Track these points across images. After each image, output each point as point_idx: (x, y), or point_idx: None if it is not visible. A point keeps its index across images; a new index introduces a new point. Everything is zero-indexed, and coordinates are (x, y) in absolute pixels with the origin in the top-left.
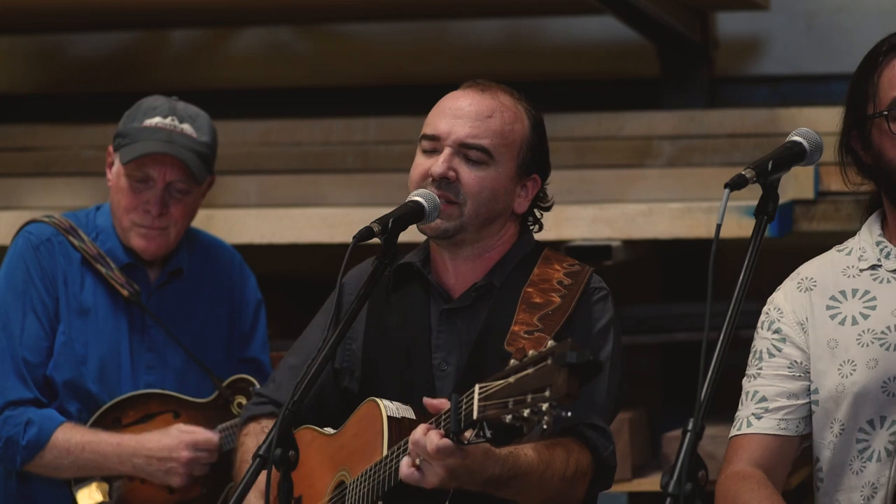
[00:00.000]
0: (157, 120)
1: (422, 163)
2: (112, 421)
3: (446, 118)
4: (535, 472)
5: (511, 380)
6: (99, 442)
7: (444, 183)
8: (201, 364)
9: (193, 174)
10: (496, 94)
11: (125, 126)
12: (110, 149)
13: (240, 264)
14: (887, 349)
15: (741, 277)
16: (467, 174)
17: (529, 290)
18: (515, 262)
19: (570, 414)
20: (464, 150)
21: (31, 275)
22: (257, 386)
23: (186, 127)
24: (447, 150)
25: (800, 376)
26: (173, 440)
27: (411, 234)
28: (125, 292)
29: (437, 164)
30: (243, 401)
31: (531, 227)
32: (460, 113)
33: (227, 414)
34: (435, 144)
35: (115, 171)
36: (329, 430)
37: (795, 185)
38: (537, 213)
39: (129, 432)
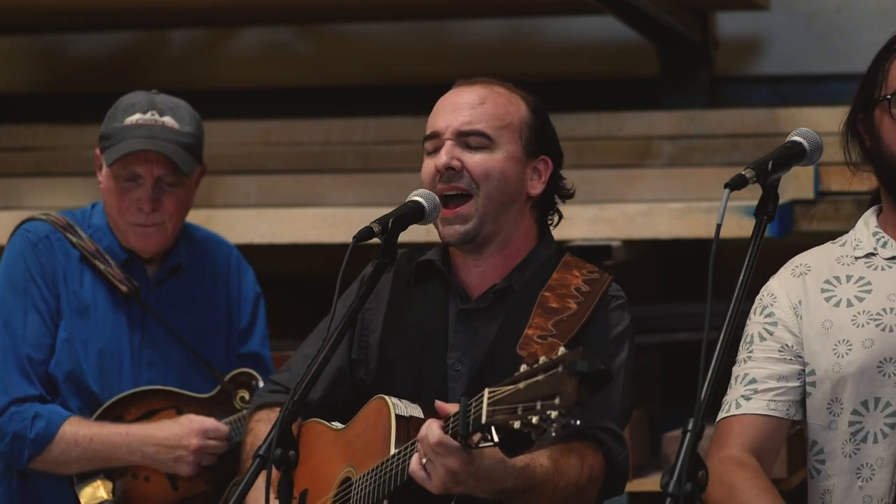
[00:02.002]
0: (137, 117)
1: (428, 164)
2: (114, 418)
3: (442, 115)
4: (550, 483)
5: (521, 385)
6: (108, 433)
7: (452, 174)
8: (202, 359)
9: (179, 167)
10: (488, 84)
11: (107, 127)
12: (97, 152)
13: (237, 258)
14: (883, 330)
15: (741, 277)
16: (471, 159)
17: (547, 294)
18: (535, 267)
19: (579, 423)
20: (463, 138)
21: (30, 272)
22: (259, 380)
23: (168, 119)
24: (448, 143)
25: (791, 359)
26: (183, 428)
27: (411, 234)
28: (124, 289)
29: (440, 157)
30: (246, 395)
31: (551, 220)
32: (454, 106)
33: (230, 409)
34: (436, 143)
35: (105, 174)
36: (337, 425)
37: (795, 185)
38: (552, 200)
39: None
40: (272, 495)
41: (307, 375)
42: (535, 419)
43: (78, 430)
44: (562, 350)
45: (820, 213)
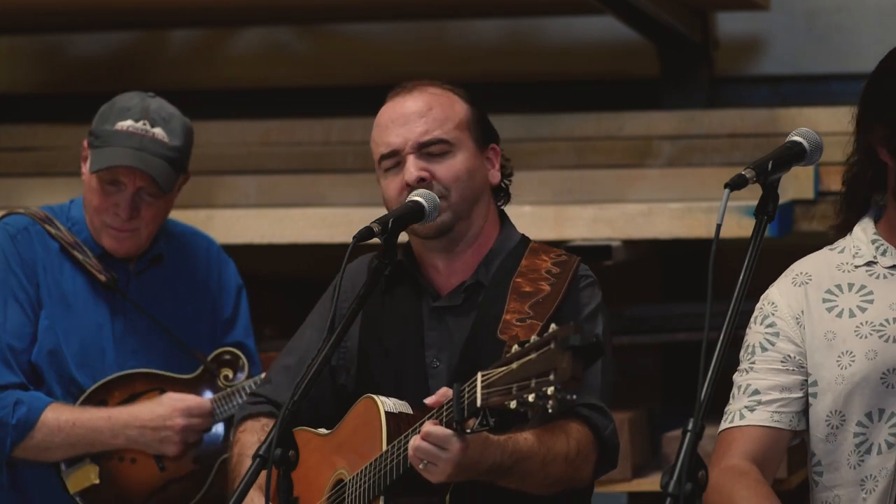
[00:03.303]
0: (128, 123)
1: (391, 181)
2: (98, 403)
3: (393, 130)
4: (537, 456)
5: (514, 366)
6: (90, 417)
7: (425, 186)
8: (182, 341)
9: (160, 186)
10: (423, 88)
11: (98, 126)
12: (85, 143)
13: (217, 251)
14: (886, 341)
15: (741, 277)
16: (439, 168)
17: (518, 280)
18: (501, 258)
19: (575, 397)
20: (425, 149)
21: (9, 263)
22: (243, 358)
23: (158, 131)
24: (410, 157)
25: (793, 370)
26: (166, 409)
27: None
28: (103, 278)
29: (409, 172)
30: (230, 373)
31: (500, 201)
32: (403, 119)
33: (214, 388)
34: (395, 160)
35: (88, 170)
36: (323, 431)
37: (795, 185)
38: (504, 184)
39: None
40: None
41: (307, 375)
42: (531, 397)
43: (60, 416)
44: (553, 327)
45: (820, 213)
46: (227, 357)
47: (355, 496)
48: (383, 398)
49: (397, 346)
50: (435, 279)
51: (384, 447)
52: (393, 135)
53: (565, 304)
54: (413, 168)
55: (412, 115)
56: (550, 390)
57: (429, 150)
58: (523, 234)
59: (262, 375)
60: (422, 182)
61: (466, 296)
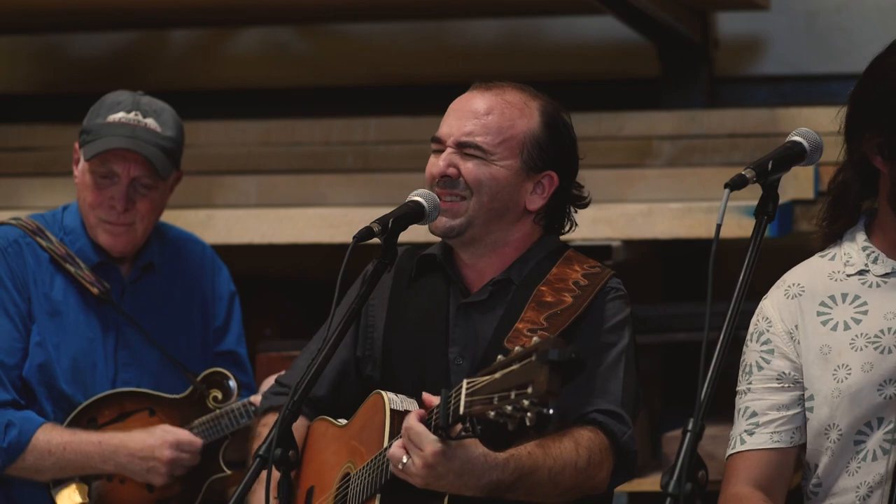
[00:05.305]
0: (120, 115)
1: (430, 164)
2: (87, 421)
3: (448, 119)
4: (543, 469)
5: (497, 375)
6: (80, 441)
7: (447, 181)
8: (174, 360)
9: (157, 170)
10: (502, 91)
11: (89, 122)
12: (76, 145)
13: (211, 257)
14: (881, 352)
15: (741, 277)
16: (467, 168)
17: (543, 288)
18: (536, 261)
19: (552, 412)
20: (461, 148)
21: (0, 277)
22: (232, 379)
23: (150, 122)
24: (447, 150)
25: (789, 387)
26: (157, 440)
27: (411, 234)
28: (95, 290)
29: (438, 164)
30: (219, 394)
31: (565, 228)
32: (460, 113)
33: (203, 409)
34: (439, 146)
35: (81, 168)
36: (342, 421)
37: (795, 185)
38: (572, 212)
39: (106, 432)
40: (272, 495)
41: (307, 375)
42: (509, 409)
43: (51, 439)
44: (535, 339)
45: None
46: (217, 378)
47: (356, 492)
48: (391, 395)
49: (422, 340)
50: (467, 275)
51: (385, 444)
52: (446, 123)
53: (587, 316)
54: (442, 162)
55: (469, 113)
56: (526, 403)
57: (465, 150)
58: (563, 242)
59: (251, 399)
60: (445, 177)
61: (494, 291)
